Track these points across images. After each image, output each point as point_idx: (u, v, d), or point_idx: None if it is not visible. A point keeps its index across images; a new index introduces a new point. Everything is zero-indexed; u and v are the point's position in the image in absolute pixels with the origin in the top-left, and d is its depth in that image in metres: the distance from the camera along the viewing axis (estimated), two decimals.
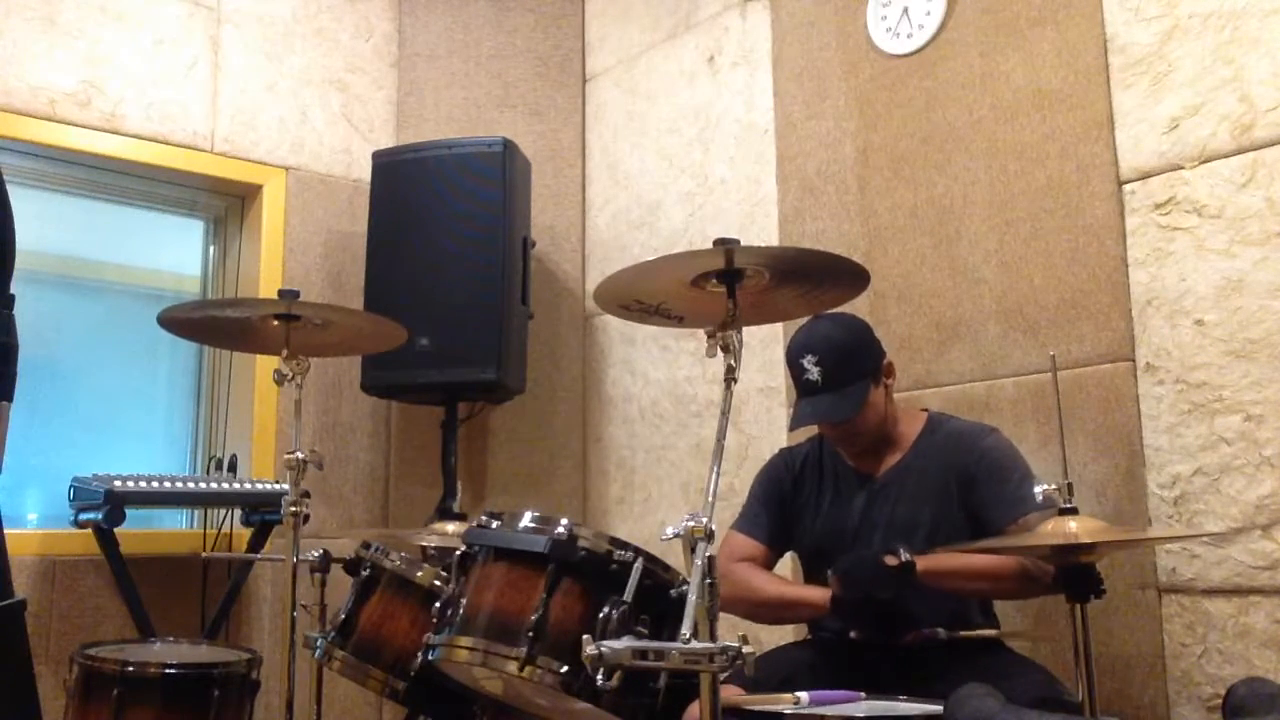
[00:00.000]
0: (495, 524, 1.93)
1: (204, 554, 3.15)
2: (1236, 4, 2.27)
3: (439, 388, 3.36)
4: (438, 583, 2.19)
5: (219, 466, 3.34)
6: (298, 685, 2.31)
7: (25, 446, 3.04)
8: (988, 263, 2.64)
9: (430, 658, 1.88)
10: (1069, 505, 1.81)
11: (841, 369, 2.19)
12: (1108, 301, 2.41)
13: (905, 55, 2.87)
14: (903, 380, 2.61)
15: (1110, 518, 2.29)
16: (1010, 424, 2.46)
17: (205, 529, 3.31)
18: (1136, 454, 2.34)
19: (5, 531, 2.18)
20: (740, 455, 3.14)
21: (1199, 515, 2.24)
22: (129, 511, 2.83)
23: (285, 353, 2.36)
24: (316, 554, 2.43)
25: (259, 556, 3.17)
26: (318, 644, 2.30)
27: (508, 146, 3.39)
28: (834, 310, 2.04)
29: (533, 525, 1.88)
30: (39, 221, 3.29)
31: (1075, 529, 1.76)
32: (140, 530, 3.11)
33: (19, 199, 2.26)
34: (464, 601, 1.86)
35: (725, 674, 1.44)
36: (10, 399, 2.16)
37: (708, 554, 1.42)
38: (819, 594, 2.14)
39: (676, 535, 1.45)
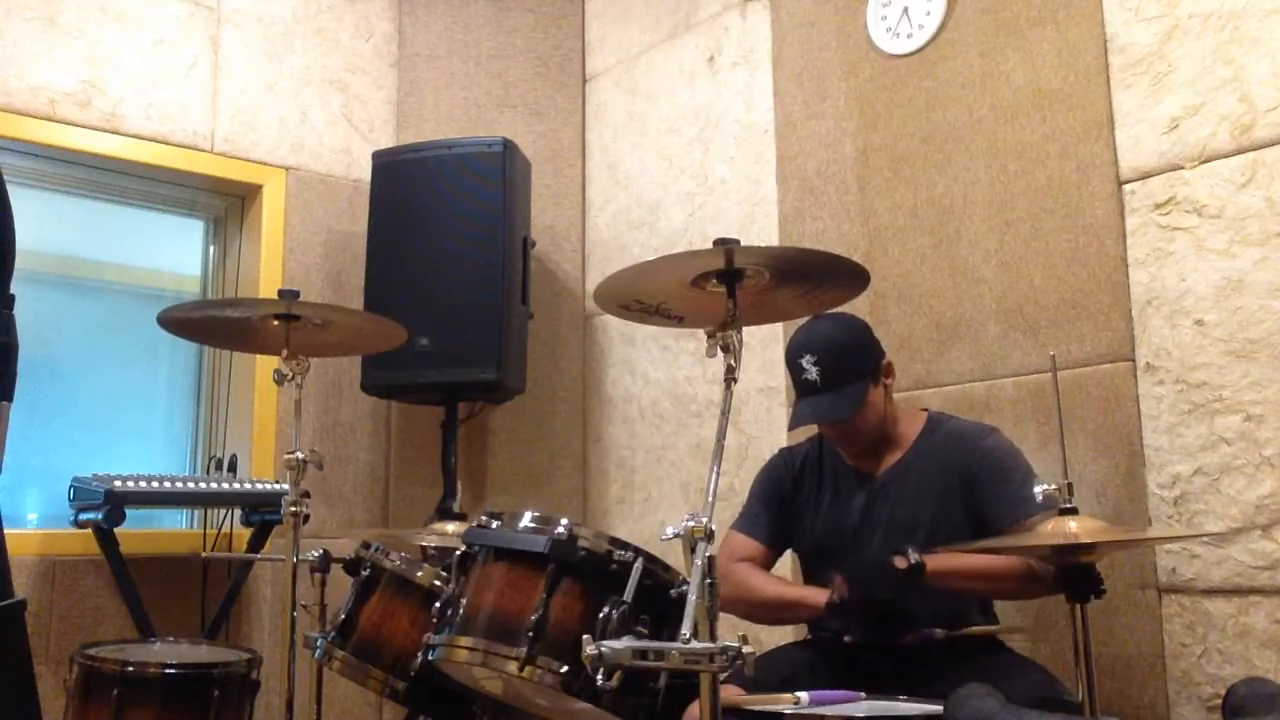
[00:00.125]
0: (495, 524, 1.93)
1: (204, 554, 3.15)
2: (1236, 4, 2.27)
3: (439, 388, 3.36)
4: (438, 583, 2.19)
5: (219, 466, 3.34)
6: (298, 685, 2.31)
7: (25, 446, 3.04)
8: (988, 263, 2.64)
9: (430, 658, 1.88)
10: (1069, 505, 1.81)
11: (840, 369, 2.19)
12: (1108, 301, 2.41)
13: (905, 55, 2.87)
14: (903, 380, 2.61)
15: (1110, 518, 2.29)
16: (1010, 424, 2.46)
17: (205, 529, 3.31)
18: (1136, 454, 2.34)
19: (5, 531, 2.18)
20: (740, 455, 3.14)
21: (1199, 515, 2.24)
22: (129, 511, 2.83)
23: (285, 353, 2.36)
24: (316, 554, 2.43)
25: (259, 556, 3.17)
26: (318, 644, 2.30)
27: (508, 146, 3.39)
28: (833, 310, 2.04)
29: (533, 525, 1.88)
30: (39, 221, 3.29)
31: (1075, 529, 1.76)
32: (140, 530, 3.11)
33: (19, 199, 2.26)
34: (464, 601, 1.86)
35: (725, 674, 1.44)
36: (10, 399, 2.15)
37: (707, 554, 1.43)
38: (818, 595, 2.14)
39: (676, 535, 1.45)
